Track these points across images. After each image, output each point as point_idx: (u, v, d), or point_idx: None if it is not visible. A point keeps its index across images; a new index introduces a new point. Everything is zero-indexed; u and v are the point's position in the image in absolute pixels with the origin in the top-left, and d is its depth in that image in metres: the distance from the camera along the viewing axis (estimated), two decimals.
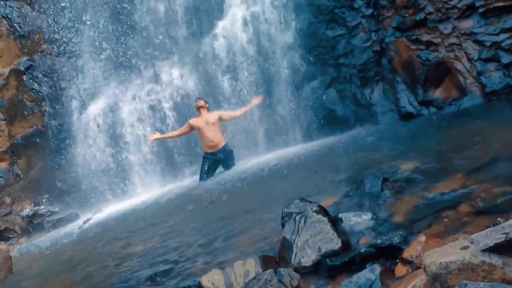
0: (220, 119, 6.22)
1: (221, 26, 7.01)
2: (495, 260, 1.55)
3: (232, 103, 6.82)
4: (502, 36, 4.87)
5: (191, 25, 7.33)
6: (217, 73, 6.99)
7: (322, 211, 2.44)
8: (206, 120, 6.11)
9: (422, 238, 2.03)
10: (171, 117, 7.24)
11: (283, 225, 2.53)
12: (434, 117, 5.17)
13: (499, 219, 2.00)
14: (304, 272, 2.18)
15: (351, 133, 5.73)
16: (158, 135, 6.61)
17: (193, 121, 6.27)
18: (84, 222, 6.15)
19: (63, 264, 4.18)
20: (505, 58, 4.83)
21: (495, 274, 1.54)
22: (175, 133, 6.63)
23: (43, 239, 6.28)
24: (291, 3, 6.58)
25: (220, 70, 6.96)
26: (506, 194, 2.28)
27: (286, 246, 2.35)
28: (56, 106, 7.67)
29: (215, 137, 6.09)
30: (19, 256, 5.56)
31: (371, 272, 1.91)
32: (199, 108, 6.19)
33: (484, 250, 1.58)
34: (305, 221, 2.37)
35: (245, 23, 6.79)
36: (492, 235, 1.63)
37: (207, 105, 6.25)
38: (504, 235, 1.60)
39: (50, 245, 5.53)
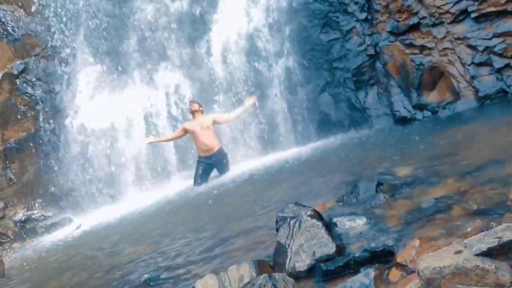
0: (215, 122, 6.20)
1: (215, 29, 7.02)
2: (488, 264, 1.56)
3: (226, 106, 6.82)
4: (495, 41, 4.92)
5: (186, 30, 7.33)
6: (211, 76, 6.99)
7: (317, 215, 2.43)
8: (201, 124, 6.09)
9: (416, 242, 2.04)
10: (165, 121, 7.22)
11: (277, 230, 2.53)
12: (428, 121, 5.20)
13: (492, 223, 2.01)
14: (299, 276, 2.17)
15: (345, 137, 5.74)
16: (152, 138, 6.59)
17: (187, 125, 6.26)
18: (77, 228, 6.11)
19: (56, 269, 4.15)
20: (498, 63, 4.89)
21: (488, 279, 1.55)
22: (169, 136, 6.61)
23: (36, 244, 6.22)
24: (286, 7, 6.60)
25: (214, 74, 6.96)
26: (499, 197, 2.29)
27: (280, 250, 2.35)
28: (50, 110, 7.63)
29: (210, 141, 6.07)
30: (12, 260, 5.52)
31: (366, 277, 1.91)
32: (193, 112, 6.17)
33: (477, 255, 1.59)
34: (299, 226, 2.36)
35: (239, 26, 6.81)
36: (485, 240, 1.64)
37: (201, 108, 6.23)
38: (497, 240, 1.61)
39: (43, 250, 5.49)
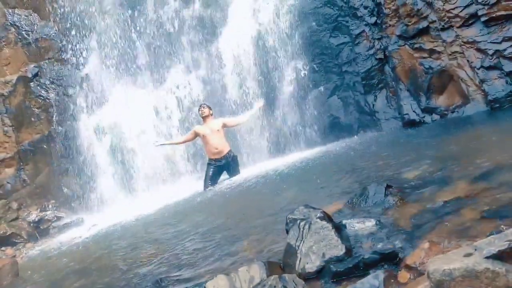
0: (225, 125, 6.25)
1: (226, 33, 7.09)
2: (499, 267, 1.55)
3: (237, 109, 6.88)
4: (505, 45, 4.91)
5: (198, 32, 7.41)
6: (222, 79, 7.05)
7: (326, 217, 2.45)
8: (211, 128, 6.15)
9: (426, 244, 2.04)
10: (177, 123, 7.30)
11: (287, 231, 2.55)
12: (436, 125, 5.19)
13: (502, 226, 2.01)
14: (309, 278, 2.20)
15: (355, 140, 5.76)
16: (163, 141, 6.67)
17: (198, 128, 6.32)
18: (89, 229, 6.19)
19: (68, 269, 4.21)
20: (508, 66, 4.88)
21: (499, 281, 1.54)
22: (180, 139, 6.68)
23: (49, 244, 6.31)
24: (296, 11, 6.65)
25: (225, 77, 7.02)
26: (509, 201, 2.29)
27: (290, 252, 2.37)
28: (63, 113, 7.74)
29: (220, 144, 6.13)
30: (25, 261, 5.60)
31: (375, 279, 1.92)
32: (203, 116, 6.23)
33: (487, 257, 1.59)
34: (309, 227, 2.38)
35: (250, 30, 6.87)
36: (496, 243, 1.64)
37: (211, 112, 6.28)
38: (508, 243, 1.60)
39: (56, 251, 5.56)
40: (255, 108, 6.42)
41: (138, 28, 7.69)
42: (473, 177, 2.81)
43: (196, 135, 6.33)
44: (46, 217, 7.14)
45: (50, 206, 7.36)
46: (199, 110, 6.31)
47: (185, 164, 7.18)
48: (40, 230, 7.01)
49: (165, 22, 7.58)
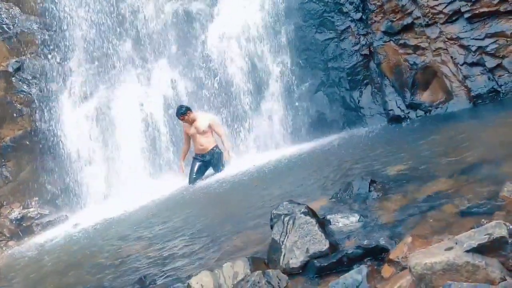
0: (210, 126, 6.25)
1: (211, 30, 7.04)
2: (479, 260, 1.57)
3: (222, 105, 6.86)
4: (487, 41, 4.98)
5: (182, 29, 7.34)
6: (208, 77, 7.01)
7: (310, 212, 2.46)
8: (197, 127, 6.20)
9: (409, 239, 2.06)
10: (161, 119, 7.24)
11: (272, 227, 2.55)
12: (421, 121, 5.25)
13: (483, 220, 2.04)
14: (293, 273, 2.20)
15: (340, 136, 5.79)
16: (182, 163, 6.54)
17: (186, 129, 6.35)
18: (74, 226, 6.11)
19: (52, 267, 4.16)
20: (490, 63, 4.95)
21: (479, 275, 1.56)
22: (185, 147, 6.58)
23: (32, 242, 6.21)
24: (281, 7, 6.64)
25: (211, 74, 6.98)
26: (490, 195, 2.33)
27: (275, 247, 2.37)
28: (46, 108, 7.59)
29: (205, 142, 6.23)
30: (7, 259, 5.51)
31: (358, 273, 1.93)
32: (190, 122, 6.20)
33: (468, 251, 1.60)
34: (293, 223, 2.39)
35: (235, 27, 6.83)
36: (476, 236, 1.66)
37: (190, 114, 6.19)
38: (487, 236, 1.62)
39: (39, 248, 5.48)
40: (227, 154, 6.21)
41: (122, 23, 7.58)
42: (456, 172, 2.85)
43: (188, 134, 6.37)
44: (29, 214, 7.00)
45: (33, 203, 7.22)
46: (181, 119, 6.21)
47: (170, 160, 7.13)
48: (22, 227, 6.88)
49: (150, 17, 7.49)
